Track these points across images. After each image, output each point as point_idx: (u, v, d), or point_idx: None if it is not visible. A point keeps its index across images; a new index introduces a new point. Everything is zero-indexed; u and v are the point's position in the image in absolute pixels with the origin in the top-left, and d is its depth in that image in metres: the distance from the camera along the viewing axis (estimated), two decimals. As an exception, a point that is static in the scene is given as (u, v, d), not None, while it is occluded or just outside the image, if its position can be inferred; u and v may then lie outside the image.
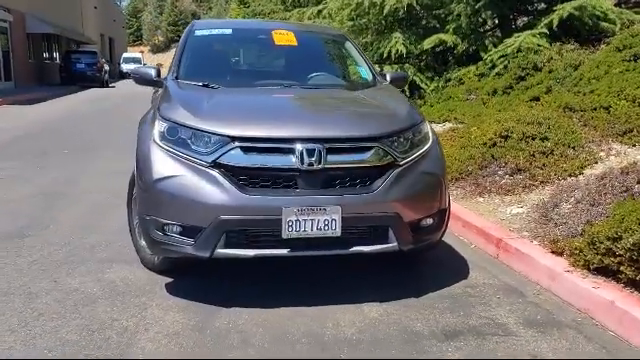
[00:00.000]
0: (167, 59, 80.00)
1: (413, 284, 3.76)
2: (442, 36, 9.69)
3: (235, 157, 3.23)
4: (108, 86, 28.89)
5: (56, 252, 4.24)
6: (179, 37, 5.69)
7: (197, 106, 3.57)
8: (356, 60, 4.79)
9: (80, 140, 10.05)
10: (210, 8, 70.64)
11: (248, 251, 3.26)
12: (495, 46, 9.46)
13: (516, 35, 8.82)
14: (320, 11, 11.12)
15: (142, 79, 4.41)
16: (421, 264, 4.12)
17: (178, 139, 3.38)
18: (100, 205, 5.58)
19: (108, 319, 3.17)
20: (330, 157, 3.27)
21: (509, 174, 5.58)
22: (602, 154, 5.65)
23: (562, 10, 8.87)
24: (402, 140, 3.48)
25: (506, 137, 6.01)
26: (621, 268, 3.28)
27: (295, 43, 4.68)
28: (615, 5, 9.48)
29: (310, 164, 3.22)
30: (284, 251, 3.27)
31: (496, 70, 9.27)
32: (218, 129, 3.30)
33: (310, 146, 3.23)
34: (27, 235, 4.61)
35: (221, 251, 3.24)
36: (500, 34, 9.73)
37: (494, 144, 6.01)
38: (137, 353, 2.82)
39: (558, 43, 8.90)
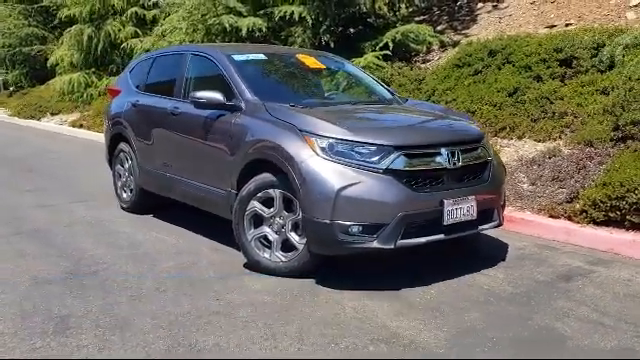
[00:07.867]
0: None
1: (477, 256, 4.75)
2: (291, 56, 10.70)
3: (402, 162, 3.91)
4: None
5: (163, 281, 4.21)
6: None
7: (340, 122, 4.08)
8: (367, 80, 5.58)
9: None
10: None
11: (420, 239, 3.96)
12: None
13: (365, 56, 10.30)
14: (164, 33, 11.11)
15: (209, 104, 4.58)
16: (459, 243, 5.07)
17: (339, 152, 3.90)
18: (110, 234, 5.31)
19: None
20: (461, 156, 4.14)
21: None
22: (498, 147, 7.35)
23: (389, 36, 10.64)
24: (485, 141, 4.51)
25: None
26: (627, 217, 4.80)
27: (323, 66, 5.31)
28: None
29: (454, 163, 4.06)
30: (442, 236, 4.04)
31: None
32: (382, 141, 3.92)
33: (452, 149, 4.08)
34: (96, 271, 4.37)
35: (401, 241, 3.87)
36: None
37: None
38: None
39: (389, 62, 10.64)
